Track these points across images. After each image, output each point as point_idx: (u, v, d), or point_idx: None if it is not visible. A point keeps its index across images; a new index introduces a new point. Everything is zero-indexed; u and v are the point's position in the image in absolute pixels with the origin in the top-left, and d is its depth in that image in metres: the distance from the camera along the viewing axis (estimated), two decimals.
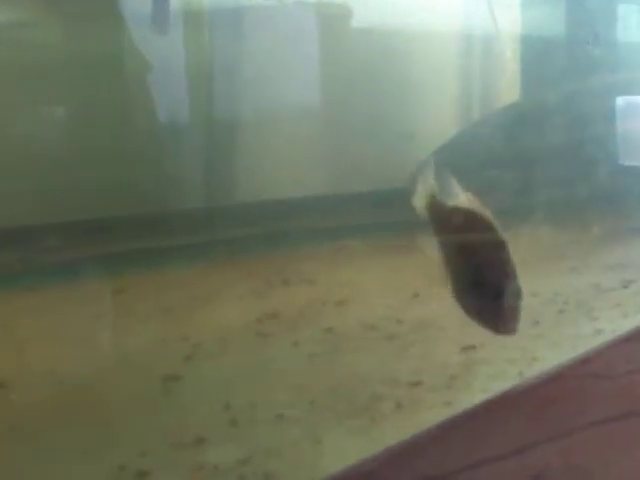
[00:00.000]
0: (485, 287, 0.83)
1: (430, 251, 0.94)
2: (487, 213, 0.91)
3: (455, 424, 0.78)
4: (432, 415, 0.89)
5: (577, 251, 1.51)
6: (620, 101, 2.63)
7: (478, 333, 1.08)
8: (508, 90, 2.65)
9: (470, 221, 0.91)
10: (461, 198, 0.92)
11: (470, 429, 0.80)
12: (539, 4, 2.73)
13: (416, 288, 1.34)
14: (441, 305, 1.25)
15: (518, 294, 0.82)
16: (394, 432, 0.87)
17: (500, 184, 1.98)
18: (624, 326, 1.08)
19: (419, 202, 0.96)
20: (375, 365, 1.04)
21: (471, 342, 1.06)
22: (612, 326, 1.07)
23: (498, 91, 2.67)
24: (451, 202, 0.91)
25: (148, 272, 1.61)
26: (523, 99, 2.56)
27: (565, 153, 2.27)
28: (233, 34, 2.02)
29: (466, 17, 2.58)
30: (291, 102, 2.13)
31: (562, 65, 2.54)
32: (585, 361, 0.79)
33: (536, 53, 2.60)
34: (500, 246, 0.86)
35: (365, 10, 2.20)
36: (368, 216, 1.94)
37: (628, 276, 1.30)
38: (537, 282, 1.32)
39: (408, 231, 1.83)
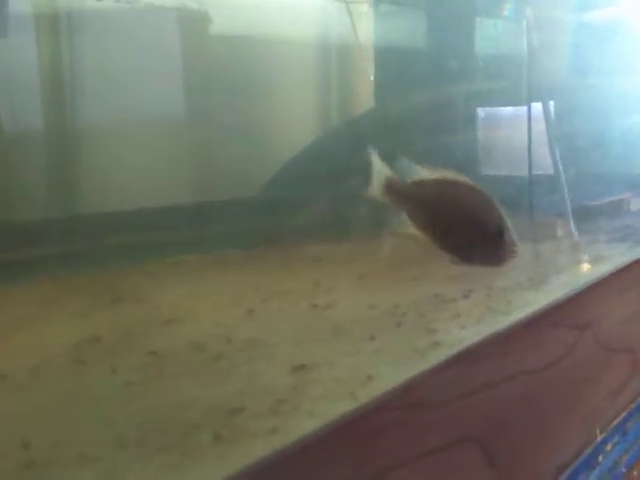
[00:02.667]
0: (486, 232, 0.98)
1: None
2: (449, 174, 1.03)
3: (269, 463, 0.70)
4: (254, 446, 0.80)
5: (419, 260, 1.47)
6: (480, 112, 2.69)
7: (312, 351, 1.01)
8: (365, 100, 2.67)
9: (446, 186, 1.03)
10: (424, 172, 1.06)
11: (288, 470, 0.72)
12: (400, 16, 2.75)
13: (252, 304, 1.26)
14: (275, 321, 1.18)
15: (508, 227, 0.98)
16: (210, 468, 0.78)
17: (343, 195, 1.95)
18: (462, 338, 1.04)
19: (376, 190, 1.08)
20: (197, 390, 0.95)
21: (302, 361, 0.98)
22: (450, 338, 1.03)
23: (357, 101, 2.68)
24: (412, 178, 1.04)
25: None
26: (371, 109, 2.57)
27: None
28: (80, 38, 1.91)
29: (327, 26, 2.57)
30: (144, 109, 2.04)
31: (418, 75, 2.57)
32: (407, 389, 0.72)
33: (392, 63, 2.62)
34: (483, 195, 0.99)
35: (225, 16, 2.14)
36: (211, 228, 1.85)
37: (469, 286, 1.26)
38: (377, 294, 1.26)
39: (251, 243, 1.76)
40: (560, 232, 1.92)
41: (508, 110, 2.75)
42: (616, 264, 1.28)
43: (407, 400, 0.72)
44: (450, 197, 1.05)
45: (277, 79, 2.36)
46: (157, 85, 2.06)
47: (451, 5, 2.67)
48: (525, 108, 2.50)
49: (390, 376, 0.92)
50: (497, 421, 0.84)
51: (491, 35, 2.80)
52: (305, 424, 0.83)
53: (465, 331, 1.05)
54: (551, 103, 2.57)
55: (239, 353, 1.05)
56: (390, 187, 1.08)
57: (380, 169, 1.08)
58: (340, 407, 0.86)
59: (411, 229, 1.07)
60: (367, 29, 2.63)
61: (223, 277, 1.44)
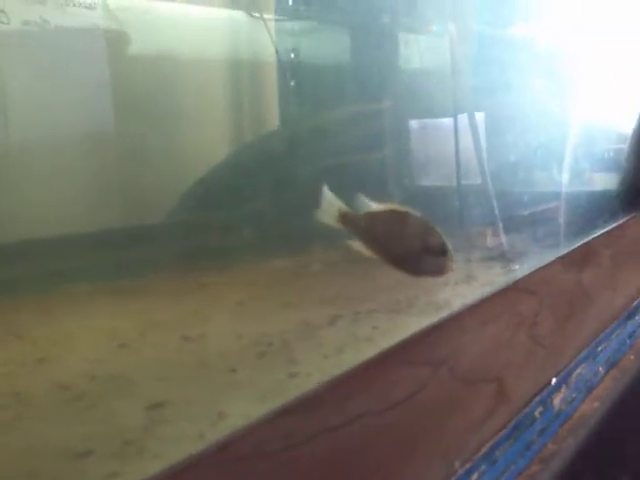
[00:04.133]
0: (430, 251, 1.21)
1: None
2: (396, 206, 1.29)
3: None
4: None
5: (295, 285, 1.49)
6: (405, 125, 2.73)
7: (172, 387, 1.02)
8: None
9: (395, 217, 1.27)
10: (374, 206, 1.27)
11: None
12: (322, 32, 2.77)
13: (126, 337, 1.26)
14: (144, 356, 1.18)
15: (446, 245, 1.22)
16: None
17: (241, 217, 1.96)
18: (323, 368, 1.05)
19: (327, 218, 1.25)
20: (50, 434, 0.94)
21: (159, 399, 0.99)
22: (310, 369, 1.04)
23: (269, 120, 2.69)
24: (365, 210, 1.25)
25: None
26: (276, 129, 2.58)
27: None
28: None
29: (242, 43, 2.57)
30: (49, 135, 2.01)
31: (337, 93, 2.59)
32: (227, 444, 0.73)
33: (307, 80, 2.63)
34: (425, 220, 1.25)
35: (140, 36, 2.13)
36: (109, 256, 1.84)
37: (336, 311, 1.28)
38: (249, 322, 1.28)
39: (146, 271, 1.76)
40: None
41: (434, 123, 2.80)
42: (484, 285, 1.32)
43: (227, 456, 0.72)
44: (399, 224, 1.28)
45: (189, 99, 2.37)
46: (64, 109, 2.04)
47: (374, 21, 2.70)
48: (451, 120, 2.55)
49: (243, 412, 0.93)
50: (336, 469, 0.85)
51: (415, 50, 2.85)
52: (147, 468, 0.84)
53: (327, 360, 1.07)
54: (478, 115, 2.62)
55: (100, 391, 1.05)
56: (344, 218, 1.28)
57: (332, 201, 1.28)
58: (186, 448, 0.86)
59: (364, 251, 1.28)
60: (285, 46, 2.65)
61: (108, 308, 1.44)
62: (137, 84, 2.19)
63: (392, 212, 1.28)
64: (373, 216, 1.27)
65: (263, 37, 2.55)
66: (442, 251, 1.26)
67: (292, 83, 2.62)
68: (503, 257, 1.76)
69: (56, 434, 0.95)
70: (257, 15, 2.52)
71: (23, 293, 1.61)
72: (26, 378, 1.15)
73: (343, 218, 1.28)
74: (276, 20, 2.61)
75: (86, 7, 2.02)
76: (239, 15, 2.54)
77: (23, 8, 1.90)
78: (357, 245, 1.29)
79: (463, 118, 2.59)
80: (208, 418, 0.93)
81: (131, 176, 2.17)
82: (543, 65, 3.16)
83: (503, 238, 2.11)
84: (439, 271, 1.27)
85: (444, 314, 1.21)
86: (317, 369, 1.03)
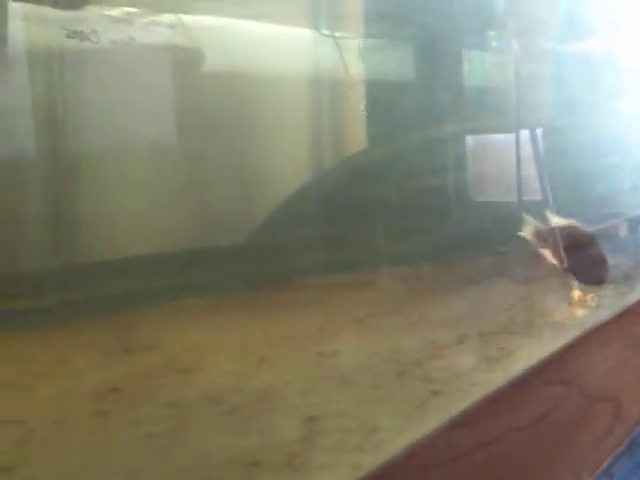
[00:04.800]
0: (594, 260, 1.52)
1: None
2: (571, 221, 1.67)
3: None
4: None
5: (411, 302, 1.55)
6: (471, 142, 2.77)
7: (321, 402, 1.09)
8: (358, 139, 2.72)
9: (571, 230, 1.62)
10: (556, 220, 1.65)
11: None
12: (388, 50, 2.81)
13: (262, 351, 1.34)
14: (285, 371, 1.25)
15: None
16: None
17: (349, 234, 2.02)
18: (461, 387, 1.11)
19: (528, 235, 1.69)
20: (216, 444, 1.02)
21: (313, 413, 1.06)
22: (448, 388, 1.10)
23: (350, 137, 2.73)
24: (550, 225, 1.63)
25: None
26: (368, 148, 2.63)
27: (415, 201, 2.36)
28: (75, 77, 1.97)
29: (318, 62, 2.62)
30: (140, 150, 2.09)
31: (410, 111, 2.64)
32: (412, 454, 0.80)
33: (383, 99, 2.69)
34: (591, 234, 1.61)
35: (217, 55, 2.21)
36: (209, 272, 1.92)
37: (461, 331, 1.34)
38: (374, 340, 1.34)
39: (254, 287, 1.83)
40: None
41: (500, 140, 2.83)
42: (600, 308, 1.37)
43: (410, 464, 0.79)
44: (574, 236, 1.60)
45: (269, 117, 2.41)
46: (152, 125, 2.13)
47: (439, 38, 2.75)
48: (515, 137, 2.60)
49: (393, 427, 0.99)
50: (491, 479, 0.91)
51: (479, 67, 2.89)
52: (318, 477, 0.91)
53: (462, 379, 1.13)
54: (538, 131, 2.65)
55: (252, 405, 1.12)
56: (537, 233, 1.66)
57: (529, 220, 1.73)
58: (348, 459, 0.93)
59: (552, 260, 1.60)
60: (358, 64, 2.70)
61: (233, 322, 1.52)
62: (215, 101, 2.26)
63: (569, 226, 1.62)
64: (557, 230, 1.61)
65: (344, 55, 2.61)
66: (602, 260, 1.57)
67: (378, 102, 2.68)
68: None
69: (219, 444, 1.03)
70: (332, 34, 2.58)
71: (138, 308, 1.70)
72: (173, 389, 1.23)
73: (537, 233, 1.65)
74: (352, 38, 2.67)
75: (168, 26, 2.12)
76: (313, 34, 2.60)
77: (112, 28, 2.01)
78: (546, 254, 1.65)
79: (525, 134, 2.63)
80: (362, 431, 1.00)
81: (216, 194, 2.24)
82: (617, 81, 3.18)
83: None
84: (600, 279, 1.57)
85: (563, 335, 1.27)
86: (455, 388, 1.09)
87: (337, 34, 2.59)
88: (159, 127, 2.13)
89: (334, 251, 2.06)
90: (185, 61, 2.18)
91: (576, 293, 1.60)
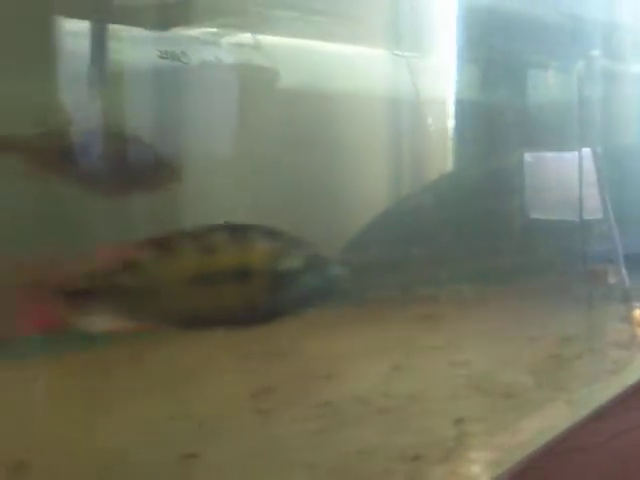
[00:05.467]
0: None
1: None
2: None
3: None
4: None
5: (530, 319, 1.68)
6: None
7: (464, 406, 1.23)
8: (436, 153, 2.82)
9: None
10: None
11: None
12: (461, 70, 2.90)
13: (397, 360, 1.48)
14: (422, 378, 1.39)
15: None
16: None
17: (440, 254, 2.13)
18: (591, 394, 1.24)
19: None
20: (373, 440, 1.16)
21: (459, 415, 1.20)
22: (580, 395, 1.23)
23: (427, 154, 2.81)
24: None
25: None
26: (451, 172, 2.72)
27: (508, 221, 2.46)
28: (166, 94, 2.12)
29: (396, 83, 2.72)
30: (224, 163, 2.23)
31: (497, 133, 2.73)
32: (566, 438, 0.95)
33: (466, 121, 2.78)
34: None
35: (291, 73, 2.31)
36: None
37: (577, 346, 1.46)
38: (503, 350, 1.48)
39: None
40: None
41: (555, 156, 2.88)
42: None
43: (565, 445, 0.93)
44: None
45: (346, 134, 2.48)
46: (230, 141, 2.26)
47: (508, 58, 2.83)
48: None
49: (534, 428, 1.13)
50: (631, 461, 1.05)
51: (544, 86, 2.96)
52: (474, 470, 1.05)
53: (588, 388, 1.26)
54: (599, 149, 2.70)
55: (401, 407, 1.26)
56: None
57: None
58: (496, 456, 1.07)
59: None
60: (431, 84, 2.78)
61: (359, 332, 1.66)
62: (288, 117, 2.38)
63: None
64: None
65: (419, 76, 2.70)
66: None
67: (466, 123, 2.78)
68: None
69: (378, 441, 1.17)
70: (403, 54, 2.66)
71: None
72: (321, 391, 1.38)
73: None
74: (430, 59, 2.75)
75: (252, 47, 2.27)
76: (389, 54, 2.68)
77: (202, 49, 2.17)
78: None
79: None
80: (505, 432, 1.14)
81: (302, 208, 2.36)
82: None
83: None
84: None
85: None
86: (587, 394, 1.22)
87: (414, 55, 2.69)
88: (239, 140, 2.27)
89: (433, 268, 2.18)
90: (262, 80, 2.31)
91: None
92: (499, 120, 2.75)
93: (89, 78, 2.00)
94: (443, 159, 2.81)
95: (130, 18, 2.15)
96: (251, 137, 2.31)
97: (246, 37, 2.23)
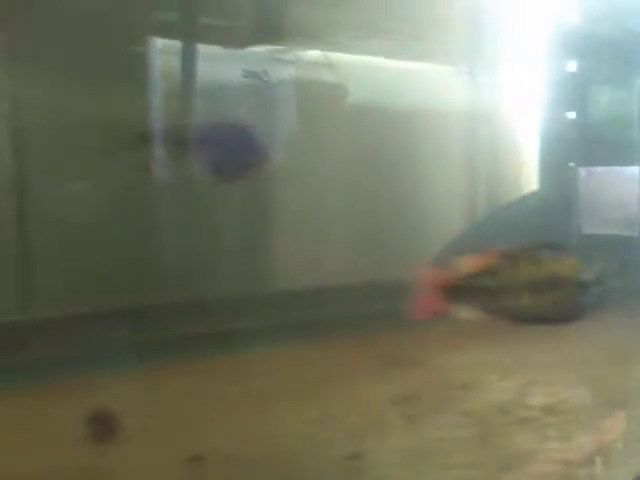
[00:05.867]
0: None
1: None
2: None
3: None
4: None
5: None
6: None
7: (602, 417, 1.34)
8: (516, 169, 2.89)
9: None
10: None
11: None
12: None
13: (528, 374, 1.59)
14: (557, 392, 1.50)
15: None
16: None
17: None
18: None
19: None
20: (525, 446, 1.28)
21: (597, 425, 1.31)
22: None
23: (504, 171, 2.89)
24: None
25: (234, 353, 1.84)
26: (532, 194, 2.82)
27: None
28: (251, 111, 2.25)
29: (470, 100, 2.75)
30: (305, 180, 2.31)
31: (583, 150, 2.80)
32: None
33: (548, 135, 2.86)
34: None
35: (360, 90, 2.45)
36: None
37: None
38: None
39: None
40: None
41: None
42: None
43: None
44: None
45: (423, 150, 2.58)
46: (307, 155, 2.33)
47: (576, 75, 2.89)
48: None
49: None
50: None
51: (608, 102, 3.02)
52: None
53: None
54: None
55: (542, 417, 1.38)
56: None
57: None
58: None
59: None
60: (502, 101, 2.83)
61: (479, 346, 1.77)
62: (357, 132, 2.41)
63: None
64: None
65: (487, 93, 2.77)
66: None
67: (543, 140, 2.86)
68: None
69: (528, 447, 1.29)
70: (469, 70, 2.68)
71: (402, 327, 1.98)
72: (461, 400, 1.50)
73: None
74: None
75: (326, 66, 2.39)
76: (456, 71, 2.69)
77: (280, 68, 2.32)
78: None
79: None
80: None
81: (383, 228, 2.45)
82: None
83: None
84: None
85: None
86: None
87: (486, 72, 2.74)
88: (315, 156, 2.39)
89: None
90: (333, 96, 2.42)
91: None
92: (568, 136, 2.84)
93: (182, 92, 2.17)
94: (516, 175, 2.88)
95: (214, 37, 2.31)
96: (326, 152, 2.44)
97: (319, 55, 2.37)
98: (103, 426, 1.30)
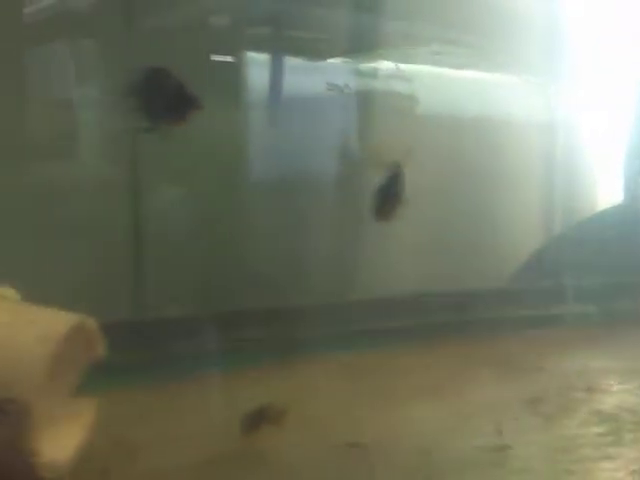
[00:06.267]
0: None
1: None
2: None
3: None
4: None
5: None
6: None
7: None
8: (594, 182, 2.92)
9: None
10: None
11: None
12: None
13: None
14: None
15: None
16: None
17: None
18: None
19: None
20: None
21: None
22: None
23: (582, 184, 2.89)
24: None
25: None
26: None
27: None
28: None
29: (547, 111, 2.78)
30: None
31: None
32: None
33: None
34: None
35: (432, 101, 2.46)
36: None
37: None
38: None
39: None
40: None
41: None
42: None
43: None
44: None
45: (499, 160, 2.59)
46: None
47: None
48: None
49: None
50: None
51: None
52: None
53: None
54: None
55: None
56: None
57: None
58: None
59: None
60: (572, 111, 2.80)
61: (585, 352, 1.89)
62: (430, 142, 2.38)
63: None
64: None
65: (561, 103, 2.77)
66: None
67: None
68: None
69: None
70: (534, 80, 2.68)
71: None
72: (591, 402, 1.61)
73: None
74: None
75: (404, 79, 2.48)
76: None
77: (360, 81, 2.43)
78: None
79: None
80: None
81: (466, 238, 2.48)
82: None
83: None
84: None
85: None
86: None
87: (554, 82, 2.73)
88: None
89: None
90: (405, 107, 2.50)
91: None
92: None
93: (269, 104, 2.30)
94: (592, 186, 2.90)
95: (298, 50, 2.43)
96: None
97: (393, 67, 2.44)
98: (261, 416, 1.42)
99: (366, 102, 2.44)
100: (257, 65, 2.26)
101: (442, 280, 2.40)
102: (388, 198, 1.59)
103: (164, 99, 1.43)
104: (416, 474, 1.30)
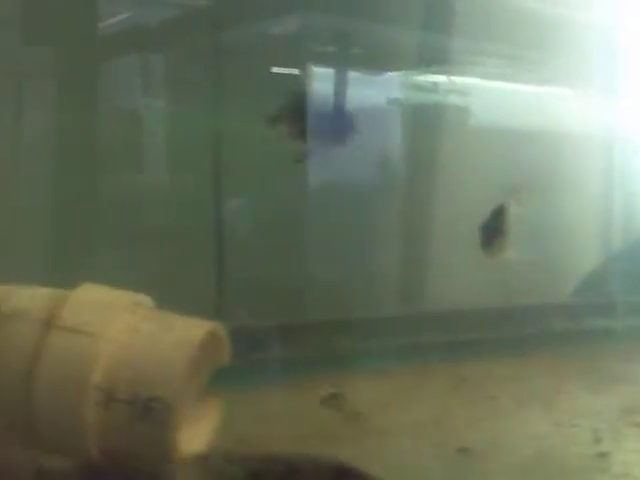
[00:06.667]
0: None
1: None
2: None
3: None
4: None
5: None
6: None
7: None
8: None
9: None
10: None
11: None
12: None
13: None
14: None
15: None
16: None
17: None
18: None
19: None
20: None
21: None
22: None
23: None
24: None
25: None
26: None
27: None
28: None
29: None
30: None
31: None
32: None
33: None
34: None
35: (485, 111, 2.57)
36: None
37: None
38: None
39: None
40: None
41: None
42: None
43: None
44: None
45: (559, 175, 2.65)
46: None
47: None
48: None
49: None
50: None
51: None
52: None
53: None
54: None
55: None
56: None
57: None
58: None
59: None
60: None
61: None
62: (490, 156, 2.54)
63: None
64: None
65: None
66: None
67: None
68: None
69: None
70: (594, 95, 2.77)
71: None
72: None
73: None
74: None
75: (461, 93, 2.53)
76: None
77: (417, 94, 2.51)
78: None
79: None
80: None
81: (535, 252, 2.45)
82: None
83: None
84: None
85: None
86: None
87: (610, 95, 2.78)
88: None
89: None
90: (458, 119, 2.57)
91: None
92: None
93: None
94: None
95: (359, 64, 2.52)
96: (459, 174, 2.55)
97: (447, 80, 2.53)
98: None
99: (427, 115, 2.52)
100: (321, 78, 2.36)
101: (520, 295, 2.48)
102: (493, 234, 1.65)
103: (325, 124, 1.56)
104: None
